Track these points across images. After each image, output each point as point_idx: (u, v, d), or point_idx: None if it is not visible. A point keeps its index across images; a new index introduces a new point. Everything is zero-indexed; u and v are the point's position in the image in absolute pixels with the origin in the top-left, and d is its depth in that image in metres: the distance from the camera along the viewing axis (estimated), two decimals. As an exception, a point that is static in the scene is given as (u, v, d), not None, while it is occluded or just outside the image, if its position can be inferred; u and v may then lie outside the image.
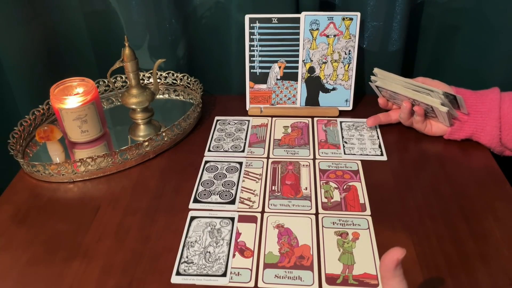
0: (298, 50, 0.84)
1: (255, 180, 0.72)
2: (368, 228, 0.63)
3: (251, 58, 0.86)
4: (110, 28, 0.91)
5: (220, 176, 0.74)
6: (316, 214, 0.66)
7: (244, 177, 0.73)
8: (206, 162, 0.77)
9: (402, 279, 0.43)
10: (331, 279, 0.56)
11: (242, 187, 0.71)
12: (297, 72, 0.86)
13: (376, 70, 0.81)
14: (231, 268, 0.58)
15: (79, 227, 0.65)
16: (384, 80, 0.79)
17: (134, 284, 0.57)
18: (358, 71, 0.88)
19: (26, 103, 0.90)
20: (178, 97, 0.95)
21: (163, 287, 0.56)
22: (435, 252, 0.59)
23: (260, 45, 0.85)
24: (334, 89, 0.87)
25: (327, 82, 0.86)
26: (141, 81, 0.81)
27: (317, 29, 0.83)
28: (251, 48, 0.85)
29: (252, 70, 0.86)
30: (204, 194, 0.70)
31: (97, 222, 0.66)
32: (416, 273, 0.56)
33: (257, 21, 0.83)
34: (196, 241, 0.62)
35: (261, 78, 0.87)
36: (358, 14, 0.81)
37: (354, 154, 0.77)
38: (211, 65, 0.97)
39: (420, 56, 0.95)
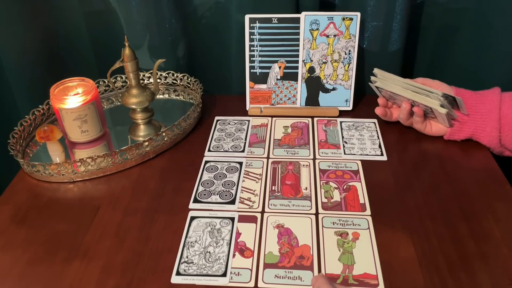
0: (298, 50, 0.84)
1: (255, 180, 0.72)
2: (368, 228, 0.63)
3: (251, 58, 0.86)
4: (110, 28, 0.91)
5: (220, 176, 0.74)
6: (316, 214, 0.66)
7: (244, 177, 0.73)
8: (206, 162, 0.77)
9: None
10: (331, 279, 0.56)
11: (242, 187, 0.71)
12: (297, 72, 0.86)
13: (376, 71, 0.81)
14: (231, 268, 0.58)
15: (79, 227, 0.65)
16: (384, 81, 0.79)
17: (134, 284, 0.57)
18: (358, 71, 0.87)
19: (26, 103, 0.90)
20: (178, 97, 0.95)
21: (163, 287, 0.56)
22: (435, 252, 0.59)
23: (260, 45, 0.85)
24: (334, 89, 0.87)
25: (327, 82, 0.86)
26: (141, 81, 0.81)
27: (317, 29, 0.83)
28: (251, 48, 0.85)
29: (252, 70, 0.86)
30: (204, 194, 0.70)
31: (97, 222, 0.66)
32: (416, 273, 0.56)
33: (257, 21, 0.83)
34: (196, 241, 0.62)
35: (261, 78, 0.87)
36: (358, 14, 0.81)
37: (354, 154, 0.77)
38: (211, 65, 0.97)
39: (420, 56, 0.95)
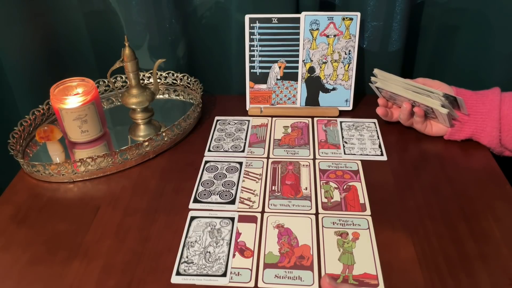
0: (298, 50, 0.84)
1: (255, 180, 0.72)
2: (368, 228, 0.63)
3: (251, 58, 0.86)
4: (110, 28, 0.91)
5: (220, 176, 0.74)
6: (316, 214, 0.66)
7: (244, 177, 0.73)
8: (206, 162, 0.77)
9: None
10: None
11: (242, 187, 0.71)
12: (297, 72, 0.86)
13: (376, 71, 0.81)
14: (231, 268, 0.58)
15: (79, 227, 0.65)
16: (384, 81, 0.79)
17: (134, 284, 0.57)
18: (358, 71, 0.87)
19: (26, 103, 0.90)
20: (178, 97, 0.95)
21: (163, 287, 0.56)
22: (435, 252, 0.59)
23: (260, 45, 0.85)
24: (334, 89, 0.87)
25: (327, 82, 0.86)
26: (141, 81, 0.81)
27: (317, 29, 0.83)
28: (251, 48, 0.85)
29: (252, 70, 0.86)
30: (204, 194, 0.70)
31: (97, 222, 0.66)
32: (416, 273, 0.56)
33: (257, 21, 0.83)
34: (196, 241, 0.62)
35: (261, 78, 0.87)
36: (358, 14, 0.81)
37: (354, 154, 0.77)
38: (211, 65, 0.97)
39: (420, 56, 0.95)
